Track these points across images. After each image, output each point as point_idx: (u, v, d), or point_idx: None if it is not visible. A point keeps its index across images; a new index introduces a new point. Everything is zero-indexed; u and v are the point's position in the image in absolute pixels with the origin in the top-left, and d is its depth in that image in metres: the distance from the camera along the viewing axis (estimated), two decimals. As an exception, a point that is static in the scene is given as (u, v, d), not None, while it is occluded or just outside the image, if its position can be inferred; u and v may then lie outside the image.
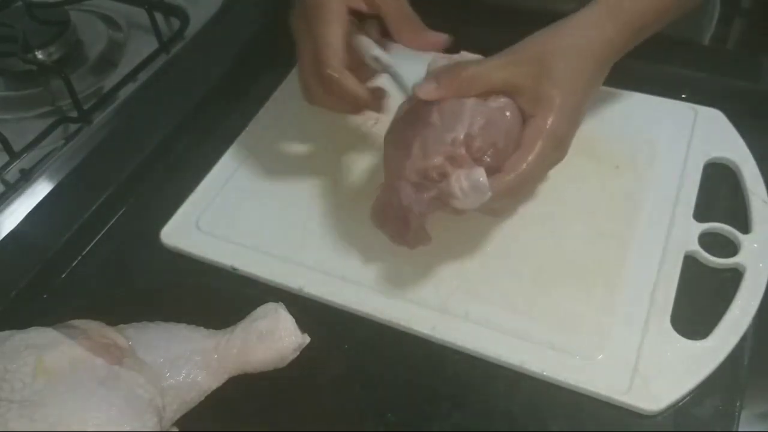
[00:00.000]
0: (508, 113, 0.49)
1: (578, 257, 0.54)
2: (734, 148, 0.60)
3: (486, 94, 0.49)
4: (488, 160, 0.47)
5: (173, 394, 0.45)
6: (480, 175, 0.45)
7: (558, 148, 0.50)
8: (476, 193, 0.46)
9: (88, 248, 0.59)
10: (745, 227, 0.55)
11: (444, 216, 0.56)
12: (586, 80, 0.50)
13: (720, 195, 0.58)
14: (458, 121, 0.48)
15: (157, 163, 0.65)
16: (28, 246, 0.58)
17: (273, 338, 0.47)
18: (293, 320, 0.48)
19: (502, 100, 0.49)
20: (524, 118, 0.49)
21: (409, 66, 0.51)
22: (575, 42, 0.50)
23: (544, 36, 0.51)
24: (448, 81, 0.48)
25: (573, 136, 0.51)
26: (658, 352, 0.48)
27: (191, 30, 0.78)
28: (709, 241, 0.54)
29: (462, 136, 0.47)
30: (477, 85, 0.49)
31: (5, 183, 0.63)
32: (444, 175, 0.47)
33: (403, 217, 0.49)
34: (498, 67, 0.49)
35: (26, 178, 0.62)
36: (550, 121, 0.48)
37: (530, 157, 0.48)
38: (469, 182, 0.46)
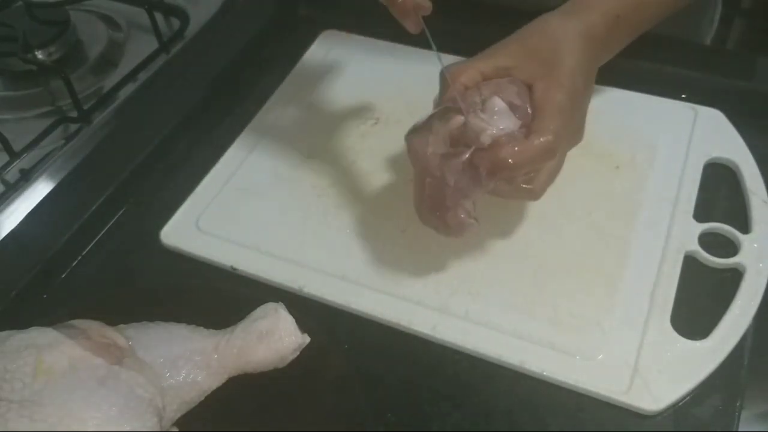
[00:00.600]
0: (514, 83, 0.50)
1: (578, 257, 0.54)
2: (734, 148, 0.60)
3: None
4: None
5: (173, 394, 0.45)
6: (496, 102, 0.47)
7: (579, 130, 0.51)
8: (501, 117, 0.47)
9: (88, 248, 0.59)
10: (745, 227, 0.55)
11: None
12: (573, 51, 0.50)
13: (720, 195, 0.58)
14: (470, 95, 0.49)
15: (157, 163, 0.65)
16: (28, 246, 0.58)
17: (273, 338, 0.47)
18: (293, 320, 0.48)
19: (506, 77, 0.50)
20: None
21: None
22: (555, 20, 0.52)
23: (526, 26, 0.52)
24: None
25: (580, 111, 0.51)
26: (658, 352, 0.48)
27: (191, 30, 0.78)
28: (709, 241, 0.54)
29: (478, 99, 0.48)
30: (469, 73, 0.50)
31: (5, 183, 0.63)
32: (471, 130, 0.47)
33: (440, 197, 0.48)
34: (484, 57, 0.51)
35: (26, 178, 0.62)
36: (554, 79, 0.49)
37: (555, 113, 0.48)
38: (489, 110, 0.47)
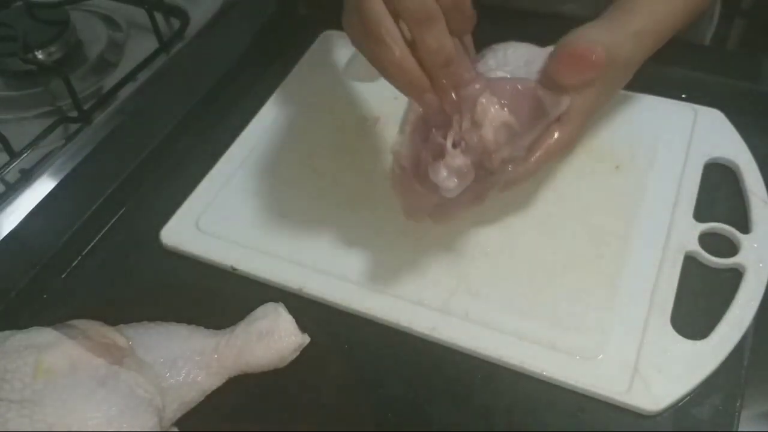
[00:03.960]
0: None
1: (578, 257, 0.54)
2: (734, 148, 0.60)
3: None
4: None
5: (173, 394, 0.45)
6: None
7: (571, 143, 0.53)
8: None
9: (88, 248, 0.59)
10: (745, 227, 0.55)
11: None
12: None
13: (720, 195, 0.58)
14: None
15: (157, 163, 0.65)
16: (28, 246, 0.58)
17: (273, 338, 0.47)
18: (293, 320, 0.48)
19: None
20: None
21: None
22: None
23: None
24: None
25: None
26: (658, 352, 0.48)
27: (191, 30, 0.78)
28: (709, 241, 0.54)
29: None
30: None
31: (5, 183, 0.63)
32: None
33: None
34: None
35: (26, 178, 0.62)
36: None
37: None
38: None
